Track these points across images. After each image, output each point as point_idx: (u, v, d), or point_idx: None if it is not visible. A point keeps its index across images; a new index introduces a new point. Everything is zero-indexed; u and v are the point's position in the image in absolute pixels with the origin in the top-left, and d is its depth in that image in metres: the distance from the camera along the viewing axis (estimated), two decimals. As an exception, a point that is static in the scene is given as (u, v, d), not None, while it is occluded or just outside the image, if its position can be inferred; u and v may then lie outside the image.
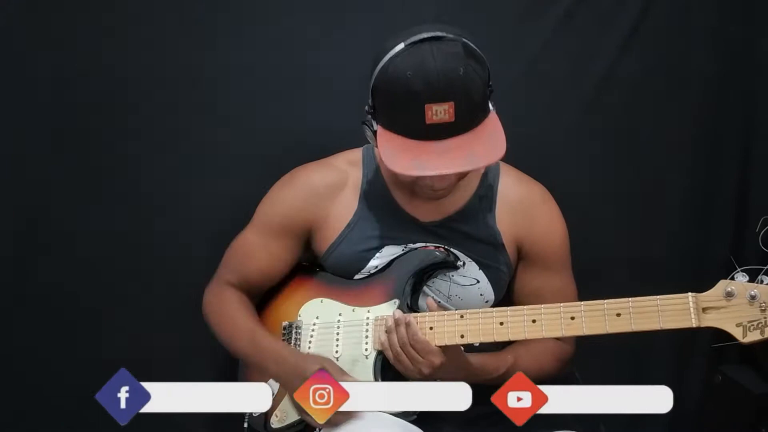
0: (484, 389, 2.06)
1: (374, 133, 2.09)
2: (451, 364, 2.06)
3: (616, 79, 2.67)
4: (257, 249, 2.37)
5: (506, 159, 2.31)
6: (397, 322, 2.06)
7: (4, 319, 2.67)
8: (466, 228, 2.28)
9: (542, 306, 1.98)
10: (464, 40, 2.01)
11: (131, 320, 2.70)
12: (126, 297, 2.70)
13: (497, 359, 2.19)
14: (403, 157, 2.00)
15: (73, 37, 2.54)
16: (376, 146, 2.10)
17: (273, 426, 2.25)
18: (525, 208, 2.31)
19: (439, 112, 1.93)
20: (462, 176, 2.16)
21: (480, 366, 2.15)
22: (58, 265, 2.66)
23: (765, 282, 1.79)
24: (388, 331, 2.08)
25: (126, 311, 2.70)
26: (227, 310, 2.38)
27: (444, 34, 2.00)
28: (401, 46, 2.00)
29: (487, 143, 2.01)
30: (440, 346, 2.05)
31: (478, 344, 2.20)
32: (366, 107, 2.11)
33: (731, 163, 2.72)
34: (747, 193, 2.48)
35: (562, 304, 1.96)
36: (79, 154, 2.62)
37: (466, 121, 1.98)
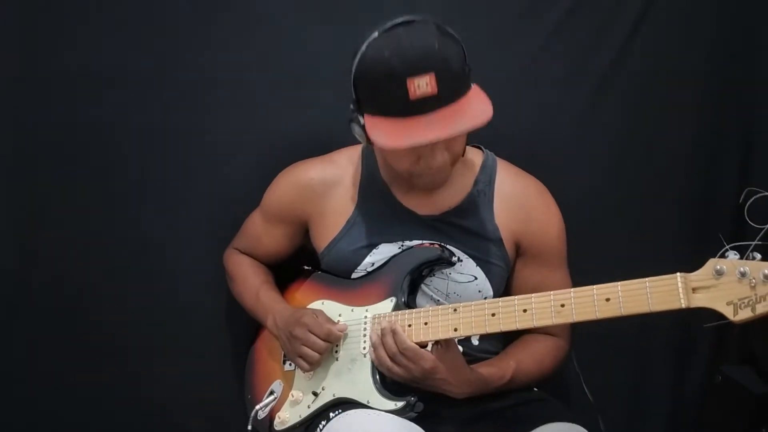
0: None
1: (362, 127, 2.04)
2: (447, 369, 2.00)
3: (617, 78, 2.58)
4: (261, 232, 2.43)
5: (506, 157, 2.32)
6: (383, 333, 2.01)
7: (4, 319, 2.60)
8: (465, 223, 2.22)
9: (533, 295, 1.90)
10: (436, 22, 1.98)
11: (132, 320, 2.62)
12: (126, 296, 2.62)
13: (500, 368, 2.15)
14: (393, 136, 1.94)
15: (73, 36, 2.49)
16: (366, 142, 2.07)
17: (276, 429, 2.21)
18: (522, 203, 2.25)
19: (422, 84, 1.88)
20: (455, 159, 2.11)
21: (486, 377, 2.10)
22: (58, 265, 2.59)
23: (757, 258, 1.68)
24: (375, 347, 2.03)
25: (126, 311, 2.62)
26: (239, 273, 2.46)
27: (415, 18, 1.98)
28: (375, 34, 1.98)
29: (473, 110, 1.95)
30: (432, 346, 2.00)
31: (477, 343, 2.20)
32: (351, 105, 2.08)
33: (731, 162, 2.63)
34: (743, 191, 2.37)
35: (552, 292, 1.88)
36: (79, 154, 2.55)
37: (449, 93, 1.92)
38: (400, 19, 1.97)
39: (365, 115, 2.01)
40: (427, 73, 1.88)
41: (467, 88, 1.98)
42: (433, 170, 2.06)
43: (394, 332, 1.98)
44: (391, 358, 1.98)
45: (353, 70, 2.00)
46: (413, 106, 1.90)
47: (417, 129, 1.91)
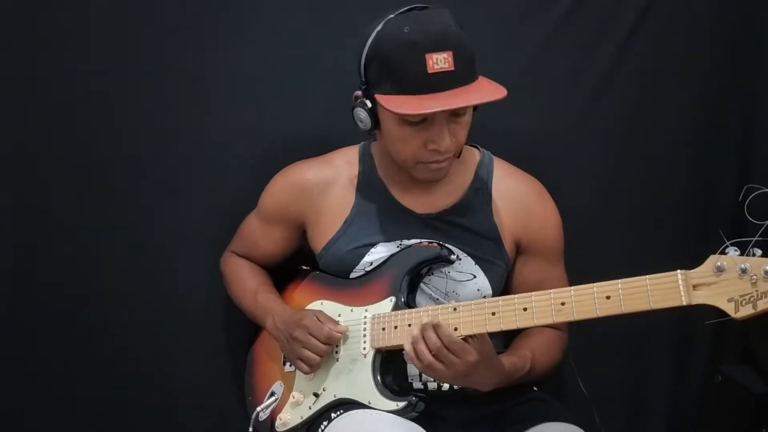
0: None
1: (369, 111, 2.06)
2: (485, 361, 1.94)
3: (616, 77, 2.57)
4: (258, 234, 2.41)
5: (506, 156, 2.31)
6: (424, 327, 1.90)
7: (3, 320, 2.59)
8: (463, 221, 2.21)
9: (533, 293, 1.88)
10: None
11: (131, 322, 2.62)
12: (126, 298, 2.61)
13: (521, 357, 2.13)
14: (412, 107, 1.95)
15: (73, 36, 2.48)
16: (372, 127, 2.08)
17: (278, 430, 2.21)
18: (521, 201, 2.25)
19: (440, 60, 1.91)
20: (458, 151, 2.11)
21: (511, 367, 2.06)
22: (57, 266, 2.59)
23: (757, 254, 1.66)
24: (415, 342, 1.92)
25: (126, 313, 2.61)
26: (236, 276, 2.45)
27: (428, 5, 2.01)
28: (391, 16, 2.00)
29: (487, 89, 1.99)
30: (470, 339, 1.93)
31: None
32: (357, 91, 2.09)
33: (731, 160, 2.61)
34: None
35: (552, 291, 1.86)
36: (77, 154, 2.54)
37: (465, 73, 1.96)
38: (414, 5, 2.00)
39: (377, 96, 2.01)
40: (445, 50, 1.91)
41: (477, 76, 2.01)
42: (439, 156, 2.04)
43: (437, 326, 1.88)
44: (435, 355, 1.88)
45: (365, 51, 2.01)
46: (430, 82, 1.92)
47: (436, 101, 1.92)
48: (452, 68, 1.91)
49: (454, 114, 1.99)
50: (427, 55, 1.90)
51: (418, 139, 2.02)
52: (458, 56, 1.92)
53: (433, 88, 1.92)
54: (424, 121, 1.98)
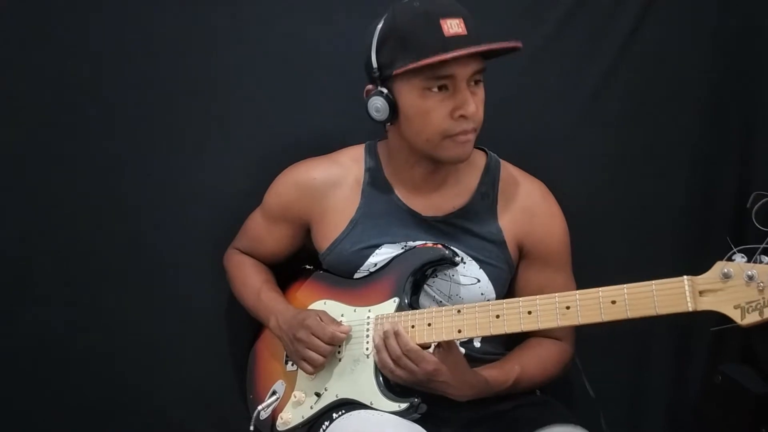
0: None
1: (386, 98, 2.05)
2: (447, 371, 1.97)
3: (617, 78, 2.56)
4: (263, 231, 2.41)
5: (507, 157, 2.31)
6: (386, 335, 1.99)
7: (3, 320, 2.58)
8: (468, 224, 2.21)
9: (537, 297, 1.88)
10: None
11: (132, 320, 2.60)
12: (127, 296, 2.60)
13: (504, 371, 2.13)
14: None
15: (71, 37, 2.47)
16: (389, 115, 2.06)
17: (279, 429, 2.20)
18: (526, 206, 2.24)
19: (453, 24, 1.98)
20: (479, 124, 2.08)
21: (488, 380, 2.08)
22: (59, 265, 2.57)
23: (764, 261, 1.65)
24: (378, 350, 2.02)
25: (127, 311, 2.60)
26: (240, 273, 2.44)
27: None
28: (396, 5, 2.06)
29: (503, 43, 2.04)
30: (435, 349, 1.97)
31: (479, 345, 2.19)
32: (368, 85, 2.11)
33: (731, 163, 2.60)
34: (747, 192, 2.35)
35: (557, 294, 1.85)
36: (78, 154, 2.53)
37: (476, 37, 2.01)
38: None
39: (396, 72, 2.00)
40: (456, 17, 1.99)
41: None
42: (466, 125, 2.03)
43: (396, 334, 1.96)
44: (395, 361, 1.96)
45: (375, 39, 2.04)
46: (448, 44, 1.95)
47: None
48: (465, 32, 1.98)
49: (473, 83, 2.02)
50: (442, 20, 1.97)
51: (442, 109, 2.01)
52: (468, 24, 2.00)
53: (452, 49, 1.94)
54: (446, 89, 2.00)
